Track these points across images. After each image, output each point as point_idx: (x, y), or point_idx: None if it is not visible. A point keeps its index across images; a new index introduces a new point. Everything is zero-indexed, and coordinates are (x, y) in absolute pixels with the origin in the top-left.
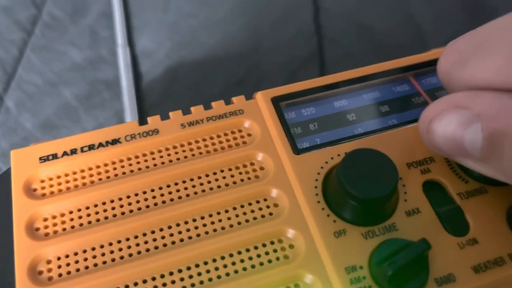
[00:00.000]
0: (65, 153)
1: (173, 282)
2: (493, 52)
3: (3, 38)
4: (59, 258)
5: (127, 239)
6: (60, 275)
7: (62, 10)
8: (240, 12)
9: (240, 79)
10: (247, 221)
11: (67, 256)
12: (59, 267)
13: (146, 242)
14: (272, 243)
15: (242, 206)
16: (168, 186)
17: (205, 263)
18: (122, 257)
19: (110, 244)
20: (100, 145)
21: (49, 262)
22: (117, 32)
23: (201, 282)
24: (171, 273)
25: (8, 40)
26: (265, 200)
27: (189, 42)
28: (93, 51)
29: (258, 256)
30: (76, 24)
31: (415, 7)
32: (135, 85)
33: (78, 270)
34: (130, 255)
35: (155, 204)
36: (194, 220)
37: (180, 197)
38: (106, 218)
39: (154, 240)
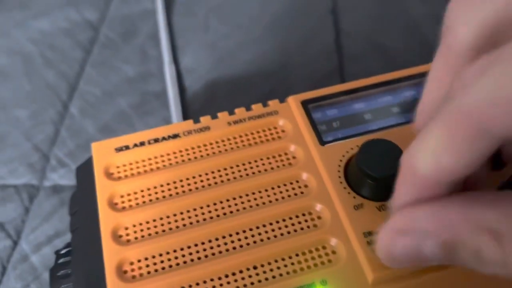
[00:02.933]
0: (135, 145)
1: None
2: None
3: (66, 56)
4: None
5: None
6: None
7: (116, 32)
8: (270, 33)
9: (270, 90)
10: (277, 200)
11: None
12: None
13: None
14: (303, 214)
15: (274, 188)
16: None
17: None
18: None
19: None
20: (163, 138)
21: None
22: (164, 51)
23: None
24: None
25: (71, 58)
26: (297, 181)
27: (226, 60)
28: (143, 67)
29: (286, 226)
30: (128, 44)
31: (427, 29)
32: (180, 97)
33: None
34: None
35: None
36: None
37: (229, 179)
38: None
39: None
